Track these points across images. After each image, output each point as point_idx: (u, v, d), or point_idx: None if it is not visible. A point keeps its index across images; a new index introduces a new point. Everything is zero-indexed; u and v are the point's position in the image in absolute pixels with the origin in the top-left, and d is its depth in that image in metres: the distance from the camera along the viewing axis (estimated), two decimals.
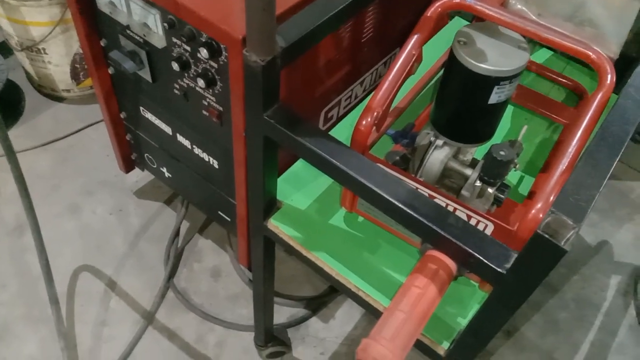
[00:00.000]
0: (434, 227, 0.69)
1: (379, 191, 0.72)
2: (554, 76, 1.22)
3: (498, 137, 1.12)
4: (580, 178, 0.64)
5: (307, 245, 0.95)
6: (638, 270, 1.74)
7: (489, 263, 0.66)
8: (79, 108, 1.99)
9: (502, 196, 0.89)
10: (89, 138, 1.90)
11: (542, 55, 1.28)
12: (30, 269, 1.58)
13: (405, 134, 0.98)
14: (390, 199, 0.72)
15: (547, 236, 0.58)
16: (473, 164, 0.93)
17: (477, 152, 0.97)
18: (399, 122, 1.04)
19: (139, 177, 1.79)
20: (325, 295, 1.59)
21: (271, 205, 0.99)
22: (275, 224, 0.97)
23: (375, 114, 0.82)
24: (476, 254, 0.67)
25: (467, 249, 0.67)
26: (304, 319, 1.55)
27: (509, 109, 1.18)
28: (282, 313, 1.55)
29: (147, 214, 1.72)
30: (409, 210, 0.71)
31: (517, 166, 0.93)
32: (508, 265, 0.66)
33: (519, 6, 0.87)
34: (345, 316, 1.57)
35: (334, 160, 0.74)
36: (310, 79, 1.20)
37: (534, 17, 0.86)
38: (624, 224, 1.86)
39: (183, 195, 1.64)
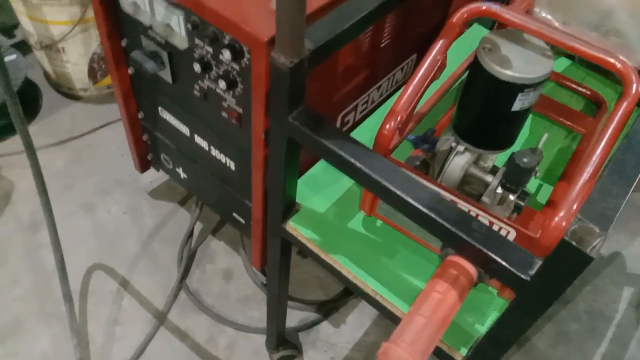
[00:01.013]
0: (458, 231, 0.69)
1: (402, 195, 0.72)
2: (573, 85, 1.22)
3: (517, 144, 1.12)
4: (607, 186, 0.64)
5: (325, 248, 0.95)
6: None
7: (513, 269, 0.66)
8: (96, 107, 2.01)
9: (522, 203, 0.89)
10: (104, 137, 1.92)
11: (561, 65, 1.28)
12: (44, 266, 1.59)
13: (426, 139, 0.98)
14: (414, 203, 0.72)
15: (574, 243, 0.58)
16: (493, 170, 0.93)
17: (497, 159, 0.97)
18: (418, 127, 1.04)
19: (154, 177, 1.80)
20: (337, 300, 1.59)
21: (290, 208, 1.00)
22: (294, 226, 0.98)
23: (399, 118, 0.82)
24: (500, 260, 0.67)
25: (491, 254, 0.67)
26: (315, 323, 1.55)
27: (528, 117, 1.18)
28: (293, 316, 1.55)
29: (161, 214, 1.73)
30: (432, 215, 0.71)
31: (538, 174, 0.93)
32: (532, 272, 0.66)
33: (544, 14, 0.87)
34: (356, 321, 1.57)
35: (358, 163, 0.75)
36: (328, 83, 1.21)
37: (559, 26, 0.86)
38: (638, 237, 1.85)
39: (198, 197, 1.65)
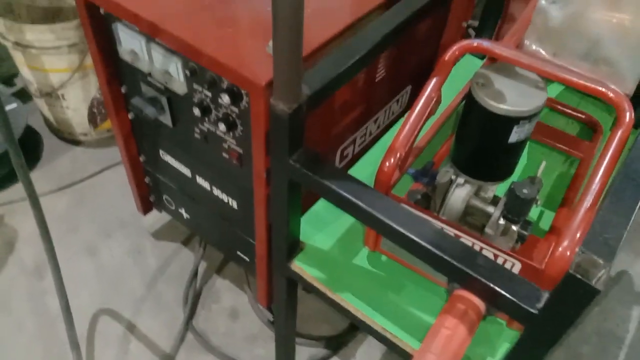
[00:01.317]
0: (463, 267, 0.70)
1: (405, 232, 0.73)
2: (568, 110, 1.24)
3: (516, 173, 1.13)
4: (607, 216, 0.65)
5: (331, 286, 0.96)
6: None
7: (520, 303, 0.66)
8: (96, 151, 2.02)
9: (525, 233, 0.90)
10: (105, 180, 1.93)
11: (555, 90, 1.30)
12: (48, 311, 1.58)
13: (425, 172, 0.99)
14: (418, 240, 0.72)
15: (579, 276, 0.59)
16: (494, 201, 0.94)
17: (498, 189, 0.98)
18: (417, 160, 1.05)
19: (156, 218, 1.80)
20: (345, 335, 1.58)
21: (294, 247, 1.00)
22: (299, 265, 0.98)
23: (398, 155, 0.83)
24: (507, 294, 0.67)
25: (497, 289, 0.68)
26: (324, 359, 1.54)
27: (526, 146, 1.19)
28: (302, 353, 1.54)
29: (164, 254, 1.73)
30: (436, 251, 0.71)
31: (539, 202, 0.94)
32: (540, 305, 0.66)
33: (534, 47, 0.89)
34: (365, 356, 1.55)
35: (360, 202, 0.75)
36: (326, 119, 1.22)
37: (549, 57, 0.88)
38: None
39: (201, 236, 1.65)
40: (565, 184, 1.11)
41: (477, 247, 0.83)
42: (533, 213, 1.08)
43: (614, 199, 0.67)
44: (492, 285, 0.68)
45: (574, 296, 0.61)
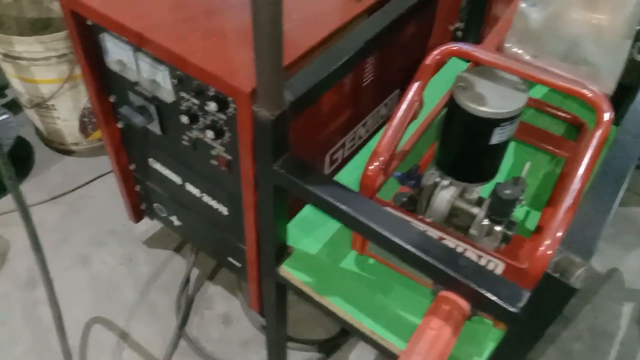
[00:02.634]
0: (446, 269, 0.71)
1: (389, 235, 0.74)
2: (553, 110, 1.25)
3: (502, 173, 1.14)
4: (585, 215, 0.66)
5: (319, 290, 0.96)
6: None
7: (501, 303, 0.67)
8: (87, 160, 2.03)
9: (509, 233, 0.91)
10: (97, 189, 1.93)
11: (540, 91, 1.32)
12: (43, 322, 1.58)
13: (411, 175, 1.00)
14: (401, 243, 0.73)
15: (556, 275, 0.60)
16: (479, 202, 0.95)
17: (483, 190, 0.99)
18: (403, 164, 1.06)
19: (148, 225, 1.80)
20: (338, 338, 1.58)
21: (282, 251, 1.01)
22: (287, 270, 0.99)
23: (382, 159, 0.84)
24: (488, 295, 0.68)
25: (479, 289, 0.69)
26: None
27: (511, 145, 1.20)
28: (296, 357, 1.54)
29: (156, 262, 1.73)
30: (419, 254, 0.72)
31: (523, 202, 0.95)
32: (521, 305, 0.67)
33: (515, 49, 0.90)
34: (359, 359, 1.56)
35: (345, 207, 0.76)
36: (313, 124, 1.24)
37: (530, 59, 0.89)
38: (632, 250, 1.86)
39: (193, 243, 1.66)
40: (551, 183, 1.12)
41: (461, 249, 0.84)
42: (519, 213, 1.09)
43: (592, 197, 0.68)
44: (474, 286, 0.69)
45: (552, 295, 0.62)
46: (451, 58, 1.45)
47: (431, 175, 0.98)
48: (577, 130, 1.24)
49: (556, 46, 0.88)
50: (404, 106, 0.86)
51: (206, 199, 1.34)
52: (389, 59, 1.39)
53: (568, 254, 0.62)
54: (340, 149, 1.42)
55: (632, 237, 1.90)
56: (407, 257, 0.74)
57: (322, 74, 0.83)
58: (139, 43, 1.09)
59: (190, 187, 1.36)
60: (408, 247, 0.73)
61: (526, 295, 0.67)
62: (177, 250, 1.77)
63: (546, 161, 1.18)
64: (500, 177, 1.13)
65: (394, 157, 0.87)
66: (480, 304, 0.71)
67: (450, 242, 0.84)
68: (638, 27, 0.95)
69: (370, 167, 0.84)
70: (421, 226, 0.86)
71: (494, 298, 0.68)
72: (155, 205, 1.56)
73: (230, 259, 1.44)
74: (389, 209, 0.88)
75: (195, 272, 1.71)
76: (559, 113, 1.24)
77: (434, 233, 0.85)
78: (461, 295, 0.74)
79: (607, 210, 0.66)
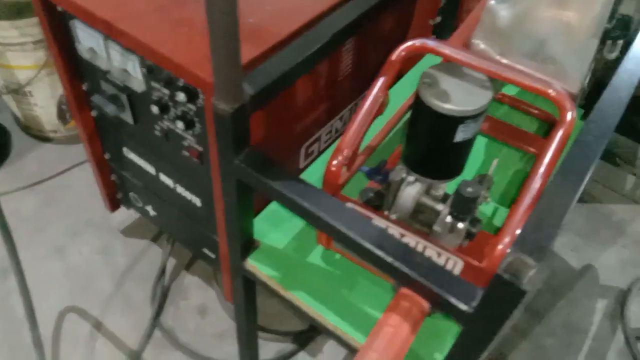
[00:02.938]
0: (401, 266, 0.71)
1: (347, 232, 0.73)
2: (526, 107, 1.25)
3: (472, 170, 1.15)
4: (541, 216, 0.66)
5: (284, 284, 0.96)
6: (624, 294, 1.75)
7: (455, 302, 0.67)
8: (66, 148, 2.01)
9: (473, 230, 0.91)
10: (75, 178, 1.92)
11: (514, 87, 1.31)
12: (15, 312, 1.57)
13: (378, 170, 1.00)
14: (359, 240, 0.73)
15: (506, 277, 0.60)
16: (445, 198, 0.95)
17: (450, 186, 0.99)
18: (377, 158, 1.06)
19: (125, 215, 1.79)
20: (312, 330, 1.59)
21: (249, 245, 1.00)
22: (252, 264, 0.98)
23: (344, 154, 0.84)
24: (442, 293, 0.68)
25: (433, 287, 0.68)
26: (292, 354, 1.55)
27: (482, 141, 1.20)
28: (270, 349, 1.55)
29: (133, 252, 1.73)
30: (376, 251, 0.72)
31: (488, 199, 0.95)
32: (475, 304, 0.67)
33: (483, 46, 0.90)
34: (333, 350, 1.57)
35: (304, 203, 0.76)
36: (288, 116, 1.23)
37: (497, 57, 0.89)
38: (608, 247, 1.88)
39: (168, 233, 1.65)
40: (521, 181, 1.12)
41: (421, 246, 0.84)
42: (487, 210, 1.09)
43: (548, 198, 0.68)
44: (427, 284, 0.69)
45: (503, 296, 0.62)
46: (428, 55, 1.45)
47: (399, 171, 0.97)
48: (549, 127, 1.24)
49: (524, 44, 0.88)
50: (368, 103, 0.86)
51: (180, 190, 1.33)
52: (366, 51, 1.38)
53: (520, 255, 0.62)
54: (317, 141, 1.41)
55: (607, 234, 1.91)
56: (364, 254, 0.74)
57: (285, 68, 0.82)
58: (107, 32, 1.07)
59: (164, 178, 1.35)
60: (365, 244, 0.73)
61: (480, 295, 0.67)
62: (154, 240, 1.76)
63: (517, 158, 1.18)
64: (470, 173, 1.13)
65: (359, 152, 0.87)
66: (435, 302, 0.71)
67: (411, 239, 0.84)
68: (606, 27, 0.95)
69: (333, 163, 0.84)
70: (383, 223, 0.85)
71: (447, 296, 0.68)
72: (130, 194, 1.55)
73: (205, 250, 1.43)
74: (352, 205, 0.87)
75: (171, 263, 1.70)
76: (532, 110, 1.24)
77: (395, 230, 0.85)
78: (417, 292, 0.74)
79: (563, 212, 0.66)
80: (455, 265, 0.82)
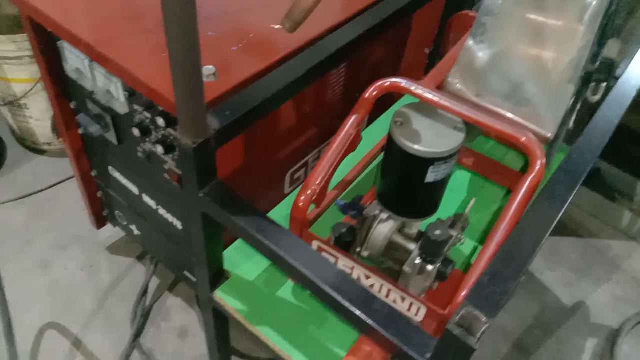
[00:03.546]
0: (359, 313, 0.69)
1: (306, 273, 0.72)
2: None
3: (453, 206, 1.13)
4: (498, 268, 0.64)
5: (251, 319, 0.94)
6: (615, 333, 1.70)
7: (409, 352, 0.65)
8: (59, 161, 2.01)
9: (446, 271, 0.89)
10: (66, 192, 1.92)
11: None
12: None
13: (353, 205, 0.98)
14: (318, 282, 0.71)
15: (456, 332, 0.58)
16: (418, 237, 0.93)
17: (425, 225, 0.97)
18: (356, 193, 1.04)
19: (112, 232, 1.79)
20: None
21: (219, 276, 0.99)
22: (220, 297, 0.97)
23: (311, 191, 0.82)
24: (398, 342, 0.66)
25: (388, 336, 0.67)
26: None
27: (466, 176, 1.19)
28: None
29: (118, 270, 1.72)
30: (335, 295, 0.70)
31: (463, 241, 0.93)
32: (429, 355, 0.65)
33: (458, 86, 0.88)
34: None
35: (265, 240, 0.75)
36: (270, 143, 1.22)
37: (472, 97, 0.88)
38: (602, 284, 1.84)
39: (152, 254, 1.64)
40: None
41: (385, 289, 0.82)
42: (467, 249, 1.07)
43: (508, 250, 0.66)
44: (384, 332, 0.67)
45: (453, 351, 0.60)
46: None
47: (373, 207, 0.96)
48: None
49: (500, 85, 0.86)
50: (338, 139, 0.84)
51: (162, 211, 1.33)
52: (356, 79, 1.37)
53: (472, 310, 0.60)
54: (302, 168, 1.40)
55: (602, 270, 1.87)
56: (323, 297, 0.72)
57: (255, 102, 0.81)
58: (90, 55, 1.07)
59: (147, 199, 1.35)
60: (324, 287, 0.71)
61: (433, 346, 0.65)
62: (140, 258, 1.75)
63: (501, 195, 1.16)
64: (452, 209, 1.11)
65: (326, 191, 0.85)
66: (391, 350, 0.69)
67: (377, 281, 0.82)
68: (589, 69, 0.94)
69: (301, 199, 0.83)
70: (349, 263, 0.84)
71: (402, 346, 0.66)
72: (116, 212, 1.54)
73: (186, 273, 1.42)
74: (319, 243, 0.85)
75: (155, 282, 1.69)
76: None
77: (361, 271, 0.83)
78: (373, 339, 0.73)
79: (521, 266, 0.64)
80: (418, 310, 0.80)
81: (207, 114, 0.75)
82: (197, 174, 0.77)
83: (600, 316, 1.76)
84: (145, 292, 1.64)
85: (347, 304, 0.69)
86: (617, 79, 0.94)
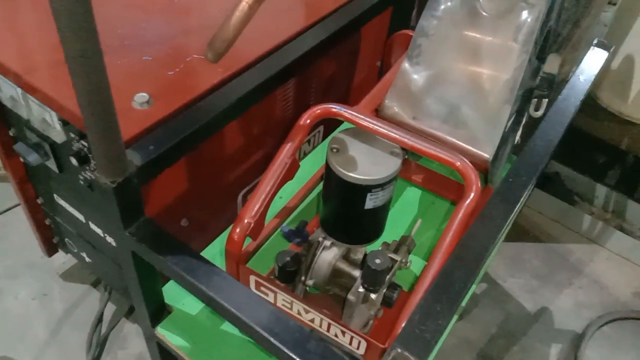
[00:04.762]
0: (292, 354, 0.66)
1: (239, 315, 0.69)
2: None
3: (402, 225, 1.11)
4: (429, 305, 0.62)
5: (195, 357, 0.91)
6: (578, 338, 1.71)
7: None
8: (10, 186, 1.94)
9: (392, 297, 0.87)
10: (18, 217, 1.85)
11: None
12: None
13: (298, 232, 0.96)
14: (250, 324, 0.68)
15: None
16: (364, 262, 0.91)
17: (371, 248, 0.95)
18: (305, 217, 1.02)
19: (66, 258, 1.73)
20: None
21: (160, 311, 0.95)
22: (162, 333, 0.93)
23: (247, 224, 0.79)
24: None
25: None
26: None
27: (417, 193, 1.17)
28: None
29: (72, 297, 1.66)
30: (268, 336, 0.67)
31: (408, 264, 0.91)
32: None
33: (396, 109, 0.86)
34: None
35: (196, 282, 0.71)
36: (217, 165, 1.18)
37: (409, 121, 0.86)
38: (564, 289, 1.84)
39: (104, 281, 1.59)
40: None
41: (325, 324, 0.79)
42: (416, 268, 1.05)
43: (440, 284, 0.64)
44: None
45: None
46: None
47: (318, 234, 0.93)
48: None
49: (437, 108, 0.85)
50: (273, 169, 0.82)
51: (109, 239, 1.28)
52: (307, 95, 1.35)
53: (402, 352, 0.57)
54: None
55: (564, 275, 1.88)
56: (257, 338, 0.69)
57: (183, 133, 0.78)
58: (19, 84, 1.03)
59: (93, 227, 1.30)
60: (257, 328, 0.68)
61: None
62: (95, 285, 1.70)
63: (451, 210, 1.14)
64: (401, 229, 1.09)
65: (263, 222, 0.82)
66: None
67: (316, 316, 0.79)
68: (530, 85, 0.93)
69: (236, 231, 0.80)
70: (288, 299, 0.80)
71: None
72: (66, 239, 1.49)
73: None
74: (257, 278, 0.82)
75: (111, 309, 1.64)
76: None
77: (300, 306, 0.80)
78: None
79: (454, 301, 0.62)
80: (359, 345, 0.77)
81: (129, 150, 0.72)
82: (120, 212, 0.73)
83: (564, 322, 1.76)
84: (100, 319, 1.59)
85: (280, 346, 0.67)
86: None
